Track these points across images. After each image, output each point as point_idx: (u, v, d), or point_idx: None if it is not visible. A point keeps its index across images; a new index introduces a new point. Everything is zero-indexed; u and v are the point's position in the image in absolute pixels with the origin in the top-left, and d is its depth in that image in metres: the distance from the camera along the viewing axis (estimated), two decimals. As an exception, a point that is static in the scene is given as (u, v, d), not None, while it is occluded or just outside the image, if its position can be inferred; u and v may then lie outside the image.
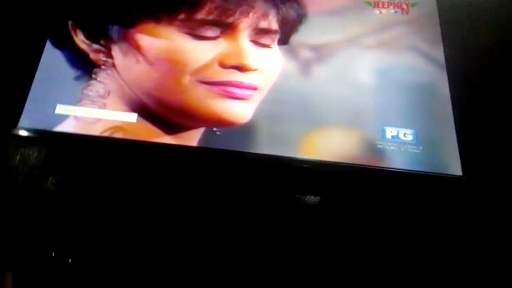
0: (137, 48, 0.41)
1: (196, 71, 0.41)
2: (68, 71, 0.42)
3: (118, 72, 0.42)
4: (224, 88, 0.41)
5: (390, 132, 0.42)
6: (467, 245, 0.41)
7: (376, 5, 0.49)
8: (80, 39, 0.43)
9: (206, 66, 0.41)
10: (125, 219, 0.40)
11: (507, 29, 0.56)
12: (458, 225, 0.41)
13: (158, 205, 0.41)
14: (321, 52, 0.46)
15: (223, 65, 0.41)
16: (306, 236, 0.41)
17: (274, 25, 0.44)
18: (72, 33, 0.43)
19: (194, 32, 0.41)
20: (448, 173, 0.41)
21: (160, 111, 0.41)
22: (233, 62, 0.41)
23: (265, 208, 0.41)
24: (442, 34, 0.49)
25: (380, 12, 0.49)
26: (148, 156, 0.42)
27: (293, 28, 0.45)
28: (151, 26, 0.42)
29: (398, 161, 0.41)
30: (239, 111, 0.41)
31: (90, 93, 0.41)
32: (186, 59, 0.41)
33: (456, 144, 0.42)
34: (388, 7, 0.49)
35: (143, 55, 0.41)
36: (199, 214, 0.41)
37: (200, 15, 0.42)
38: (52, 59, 0.42)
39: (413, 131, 0.42)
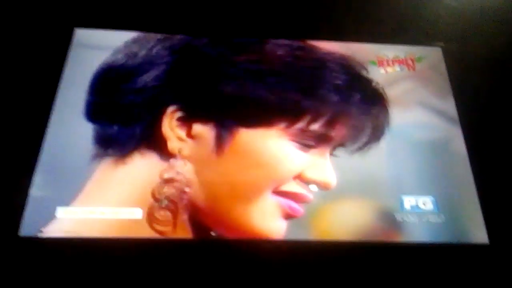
0: (239, 148, 0.38)
1: (281, 180, 0.38)
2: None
3: (194, 168, 0.38)
4: (290, 204, 0.38)
5: (408, 201, 0.40)
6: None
7: (380, 64, 0.48)
8: (173, 124, 0.39)
9: (289, 177, 0.38)
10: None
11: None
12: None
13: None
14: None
15: (302, 177, 0.39)
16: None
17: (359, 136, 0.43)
18: (168, 116, 0.39)
19: (301, 140, 0.39)
20: (473, 242, 0.39)
21: (206, 219, 0.38)
22: (315, 176, 0.39)
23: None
24: (451, 86, 0.48)
25: (386, 72, 0.48)
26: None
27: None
28: (264, 129, 0.39)
29: (419, 234, 0.39)
30: (283, 230, 0.38)
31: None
32: (283, 167, 0.38)
33: (479, 209, 0.40)
34: (393, 65, 0.48)
35: (243, 156, 0.38)
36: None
37: (313, 126, 0.40)
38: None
39: (432, 198, 0.41)
